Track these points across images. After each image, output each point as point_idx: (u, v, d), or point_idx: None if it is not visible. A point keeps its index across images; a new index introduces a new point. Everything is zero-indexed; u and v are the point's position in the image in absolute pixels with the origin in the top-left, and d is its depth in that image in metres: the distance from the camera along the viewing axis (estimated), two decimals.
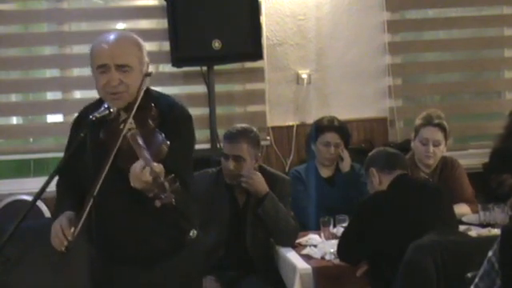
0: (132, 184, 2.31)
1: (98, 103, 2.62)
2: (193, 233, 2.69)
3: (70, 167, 2.55)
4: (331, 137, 4.26)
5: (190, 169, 2.67)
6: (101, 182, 2.36)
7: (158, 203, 2.24)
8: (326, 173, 4.32)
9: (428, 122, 4.10)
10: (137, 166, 2.28)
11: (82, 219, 2.38)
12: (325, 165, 4.31)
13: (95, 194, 2.35)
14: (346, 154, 4.27)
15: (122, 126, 2.45)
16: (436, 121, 4.10)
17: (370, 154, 3.63)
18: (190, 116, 2.66)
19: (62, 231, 2.42)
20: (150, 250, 2.60)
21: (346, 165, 4.26)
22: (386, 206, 3.29)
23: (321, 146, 4.27)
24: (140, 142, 2.38)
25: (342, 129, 4.30)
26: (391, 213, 3.24)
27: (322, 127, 4.30)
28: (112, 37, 2.58)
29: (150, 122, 2.50)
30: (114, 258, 2.61)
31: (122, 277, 2.62)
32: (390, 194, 3.35)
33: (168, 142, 2.43)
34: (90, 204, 2.36)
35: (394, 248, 3.05)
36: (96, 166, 2.41)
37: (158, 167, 2.27)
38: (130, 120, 2.44)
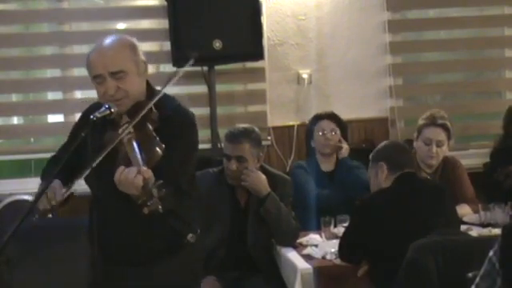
0: (122, 190, 2.31)
1: None
2: (191, 237, 2.65)
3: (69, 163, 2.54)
4: (326, 123, 4.32)
5: (189, 175, 2.64)
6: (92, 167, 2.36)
7: (146, 210, 2.24)
8: (326, 167, 4.33)
9: (431, 122, 4.10)
10: (130, 171, 2.27)
11: (74, 183, 2.38)
12: (324, 154, 4.32)
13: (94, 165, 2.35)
14: (345, 144, 4.33)
15: (120, 130, 2.44)
16: (439, 121, 4.10)
17: (383, 144, 3.57)
18: (193, 123, 2.61)
19: (54, 190, 2.40)
20: (146, 251, 2.59)
21: (345, 152, 4.31)
22: (387, 205, 3.28)
23: (317, 134, 4.31)
24: (134, 145, 2.37)
25: (336, 116, 4.38)
26: (392, 212, 3.24)
27: (316, 117, 4.40)
28: (103, 44, 2.56)
29: (149, 125, 2.47)
30: (112, 259, 2.60)
31: (117, 278, 2.61)
32: (391, 192, 3.34)
33: (163, 146, 2.41)
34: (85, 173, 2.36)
35: (396, 248, 3.05)
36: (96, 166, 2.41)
37: (148, 173, 2.26)
38: (130, 127, 2.42)
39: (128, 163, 2.33)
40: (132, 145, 2.37)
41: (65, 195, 2.39)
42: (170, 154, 2.42)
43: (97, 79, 2.53)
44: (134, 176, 2.25)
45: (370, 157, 3.57)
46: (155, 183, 2.25)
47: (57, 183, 2.45)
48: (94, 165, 2.36)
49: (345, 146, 4.32)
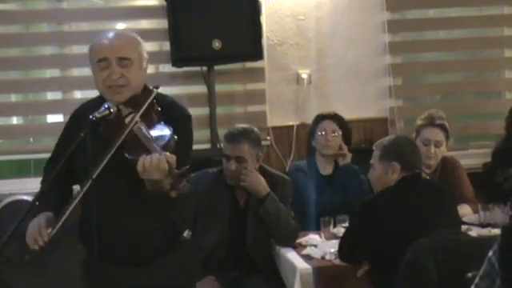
0: (147, 176, 2.30)
1: (98, 100, 2.61)
2: (187, 233, 2.67)
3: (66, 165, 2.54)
4: (327, 124, 4.29)
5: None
6: (100, 169, 2.35)
7: (173, 194, 2.26)
8: (325, 170, 4.32)
9: (429, 122, 4.11)
10: (153, 156, 2.29)
11: (62, 220, 2.37)
12: (324, 155, 4.30)
13: (94, 177, 2.35)
14: (348, 152, 4.29)
15: (127, 121, 2.44)
16: (437, 121, 4.10)
17: (395, 140, 3.46)
18: (189, 116, 2.67)
19: (39, 230, 2.42)
20: (144, 249, 2.59)
21: (348, 159, 4.29)
22: (389, 206, 3.26)
23: (318, 134, 4.29)
24: (147, 133, 2.38)
25: (338, 117, 4.34)
26: (393, 213, 3.22)
27: (319, 117, 4.37)
28: (112, 33, 2.62)
29: (154, 116, 2.50)
30: (108, 258, 2.60)
31: (117, 278, 2.62)
32: (393, 193, 3.33)
33: (176, 137, 2.43)
34: (84, 190, 2.35)
35: (396, 248, 3.05)
36: (97, 164, 2.40)
37: (172, 158, 2.28)
38: (138, 116, 2.43)
39: (140, 153, 2.33)
40: (145, 133, 2.39)
41: (51, 235, 2.39)
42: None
43: (101, 63, 2.54)
44: (157, 161, 2.26)
45: (379, 151, 3.44)
46: (179, 168, 2.27)
47: (42, 220, 2.46)
48: (105, 162, 2.36)
49: (348, 155, 4.29)
